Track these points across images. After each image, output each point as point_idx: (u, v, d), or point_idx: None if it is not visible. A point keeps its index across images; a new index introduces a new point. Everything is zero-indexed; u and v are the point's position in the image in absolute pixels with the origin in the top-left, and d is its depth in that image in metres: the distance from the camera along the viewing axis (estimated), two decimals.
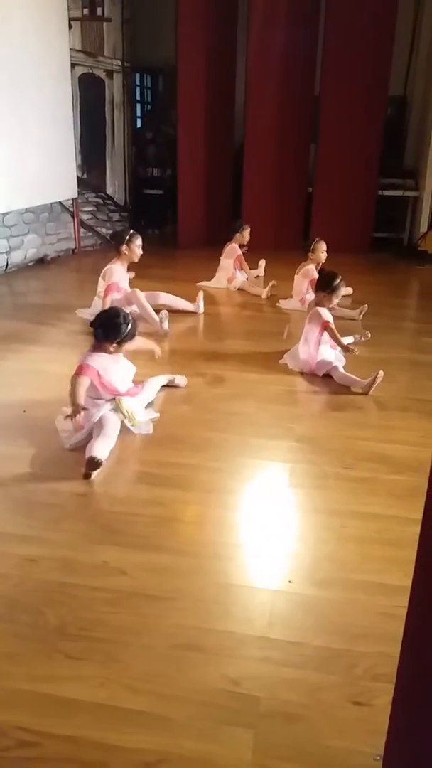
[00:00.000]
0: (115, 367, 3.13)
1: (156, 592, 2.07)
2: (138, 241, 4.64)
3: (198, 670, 1.79)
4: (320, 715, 1.66)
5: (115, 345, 3.09)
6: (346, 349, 4.03)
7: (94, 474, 2.73)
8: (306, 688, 1.73)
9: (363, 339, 4.38)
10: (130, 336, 3.12)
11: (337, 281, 4.01)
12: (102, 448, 2.81)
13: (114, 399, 3.08)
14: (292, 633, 1.92)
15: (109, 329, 3.07)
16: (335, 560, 2.24)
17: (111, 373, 3.09)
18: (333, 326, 3.95)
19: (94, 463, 2.71)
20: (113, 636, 1.90)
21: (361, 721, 1.65)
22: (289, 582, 2.13)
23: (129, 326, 3.10)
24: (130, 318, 3.16)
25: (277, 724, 1.64)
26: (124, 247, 4.62)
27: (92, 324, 3.12)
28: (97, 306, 4.55)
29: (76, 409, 2.84)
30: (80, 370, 2.99)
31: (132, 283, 4.82)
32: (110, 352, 3.10)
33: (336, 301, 4.10)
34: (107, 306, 4.52)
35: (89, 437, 2.95)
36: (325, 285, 4.03)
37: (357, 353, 4.05)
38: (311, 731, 1.62)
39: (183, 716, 1.64)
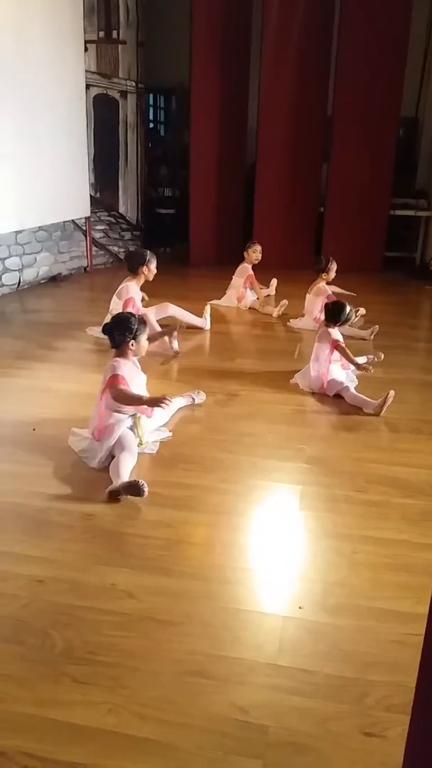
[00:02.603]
0: (137, 378, 3.18)
1: (164, 617, 2.05)
2: (155, 263, 4.70)
3: (206, 697, 1.76)
4: (330, 745, 1.63)
5: (132, 342, 3.13)
6: (359, 367, 4.01)
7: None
8: (316, 718, 1.70)
9: (376, 359, 4.36)
10: (142, 328, 3.16)
11: (346, 312, 3.95)
12: (129, 469, 2.83)
13: (134, 415, 3.10)
14: (302, 660, 1.89)
15: (121, 329, 3.11)
16: (346, 586, 2.21)
17: (134, 383, 3.13)
18: (343, 344, 3.94)
19: (138, 489, 2.67)
20: (121, 661, 1.88)
21: (373, 753, 1.62)
22: (300, 608, 2.10)
23: (137, 321, 3.17)
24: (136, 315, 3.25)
25: (285, 755, 1.61)
26: (144, 268, 4.67)
27: (104, 331, 3.18)
28: None
29: (156, 399, 2.97)
30: (114, 381, 3.01)
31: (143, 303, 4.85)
32: (129, 355, 3.14)
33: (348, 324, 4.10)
34: None
35: (109, 455, 2.97)
36: (336, 319, 3.96)
37: (372, 371, 4.05)
38: (321, 762, 1.59)
39: (191, 745, 1.62)
